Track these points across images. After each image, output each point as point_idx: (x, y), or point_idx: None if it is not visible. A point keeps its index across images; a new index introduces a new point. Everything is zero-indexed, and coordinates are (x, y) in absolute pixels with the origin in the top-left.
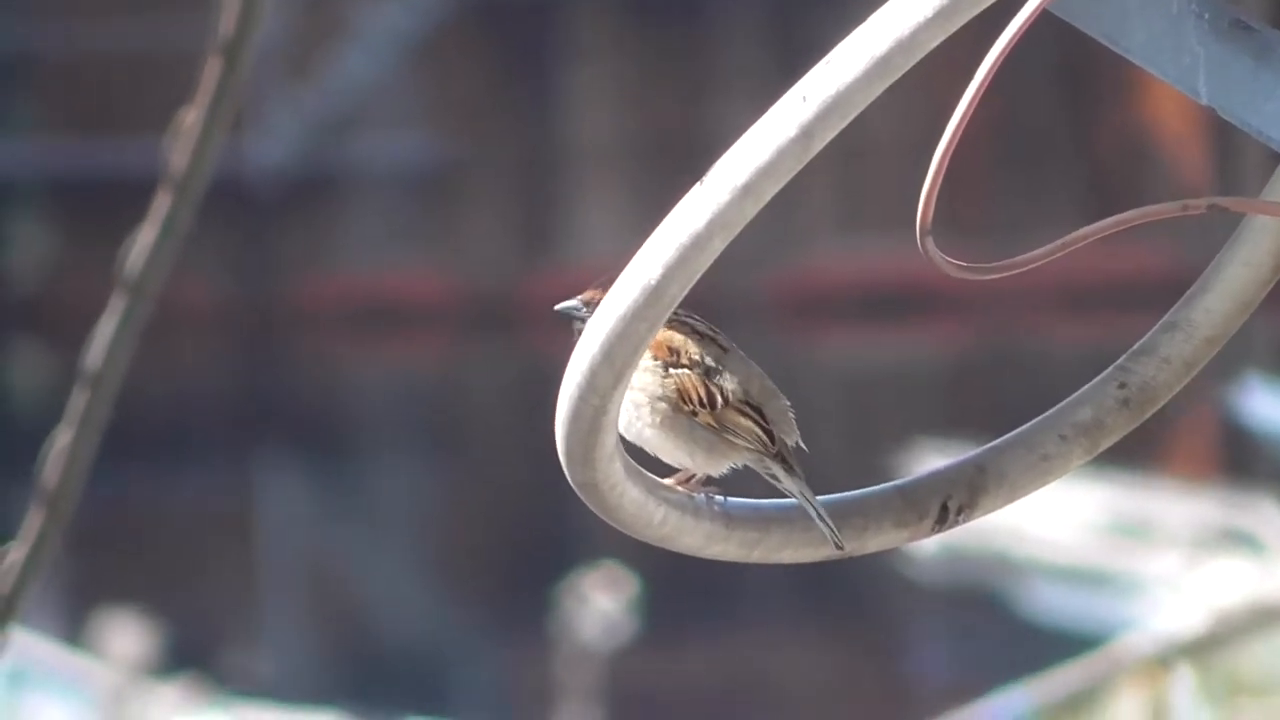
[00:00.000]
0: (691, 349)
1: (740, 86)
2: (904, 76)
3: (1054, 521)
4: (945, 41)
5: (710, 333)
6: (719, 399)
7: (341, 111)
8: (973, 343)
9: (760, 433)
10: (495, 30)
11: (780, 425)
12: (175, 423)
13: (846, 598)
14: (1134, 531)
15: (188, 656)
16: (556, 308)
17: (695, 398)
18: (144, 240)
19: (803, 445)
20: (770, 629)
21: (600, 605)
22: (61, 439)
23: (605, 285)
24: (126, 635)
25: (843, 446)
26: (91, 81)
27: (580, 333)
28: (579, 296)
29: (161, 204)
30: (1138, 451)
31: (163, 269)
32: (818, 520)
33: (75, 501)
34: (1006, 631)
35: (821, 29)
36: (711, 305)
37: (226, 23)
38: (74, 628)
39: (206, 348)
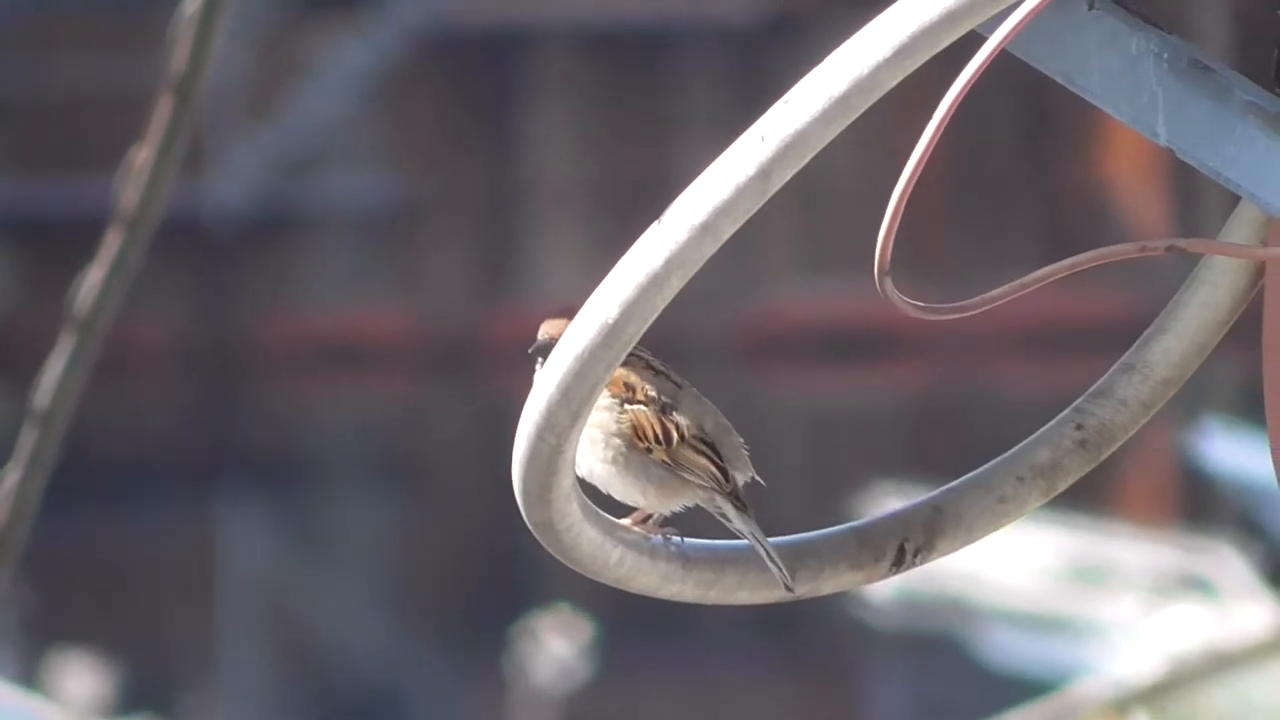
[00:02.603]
0: (648, 386)
1: (700, 128)
2: (863, 117)
3: (1010, 566)
4: (904, 81)
5: (664, 369)
6: (674, 435)
7: (301, 151)
8: (931, 385)
9: (714, 469)
10: (455, 69)
11: (734, 463)
12: (135, 462)
13: (803, 642)
14: (1091, 576)
15: (144, 698)
16: (530, 350)
17: (650, 434)
18: (93, 279)
19: (759, 479)
20: (726, 673)
21: (554, 648)
22: (10, 478)
23: (564, 313)
24: (83, 676)
25: (801, 488)
26: (45, 121)
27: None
28: (541, 332)
29: (112, 242)
30: (1095, 495)
31: (112, 307)
32: (767, 560)
33: (24, 540)
34: (963, 676)
35: (781, 72)
36: (671, 345)
37: (178, 61)
38: (29, 669)
39: (167, 387)
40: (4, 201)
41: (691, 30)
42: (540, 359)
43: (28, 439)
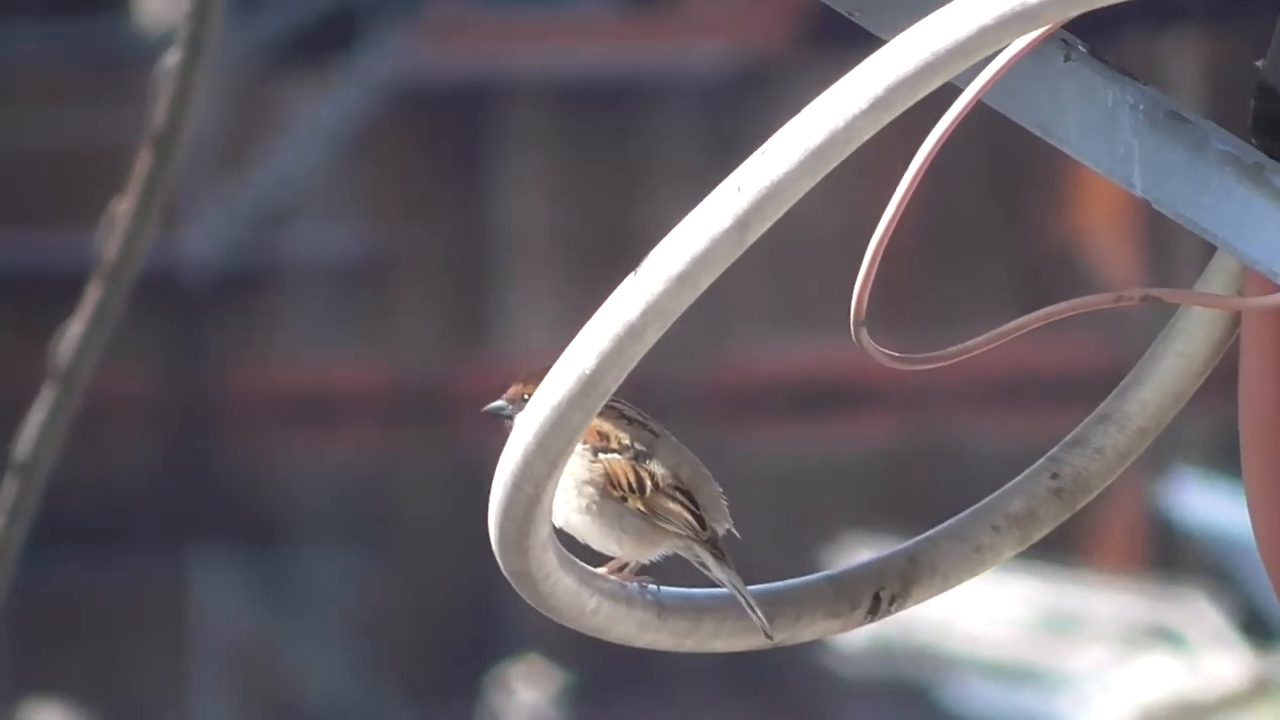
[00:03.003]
0: (621, 434)
1: (671, 180)
2: (840, 168)
3: (982, 616)
4: (881, 133)
5: (640, 418)
6: (649, 484)
7: (273, 204)
8: (905, 436)
9: (690, 518)
10: (428, 123)
11: (711, 512)
12: (108, 514)
13: (777, 691)
14: (1062, 626)
15: None
16: (484, 409)
17: (624, 483)
18: (74, 331)
19: (735, 532)
20: None
21: (526, 697)
22: None
23: (530, 379)
24: None
25: (775, 540)
26: (25, 173)
27: (511, 428)
28: (505, 394)
29: (93, 295)
30: (1067, 545)
31: (93, 359)
32: (747, 608)
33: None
34: None
35: (752, 124)
36: (645, 397)
37: (159, 114)
38: (5, 717)
39: (140, 440)
40: None
41: (663, 82)
42: (501, 418)
43: (9, 490)
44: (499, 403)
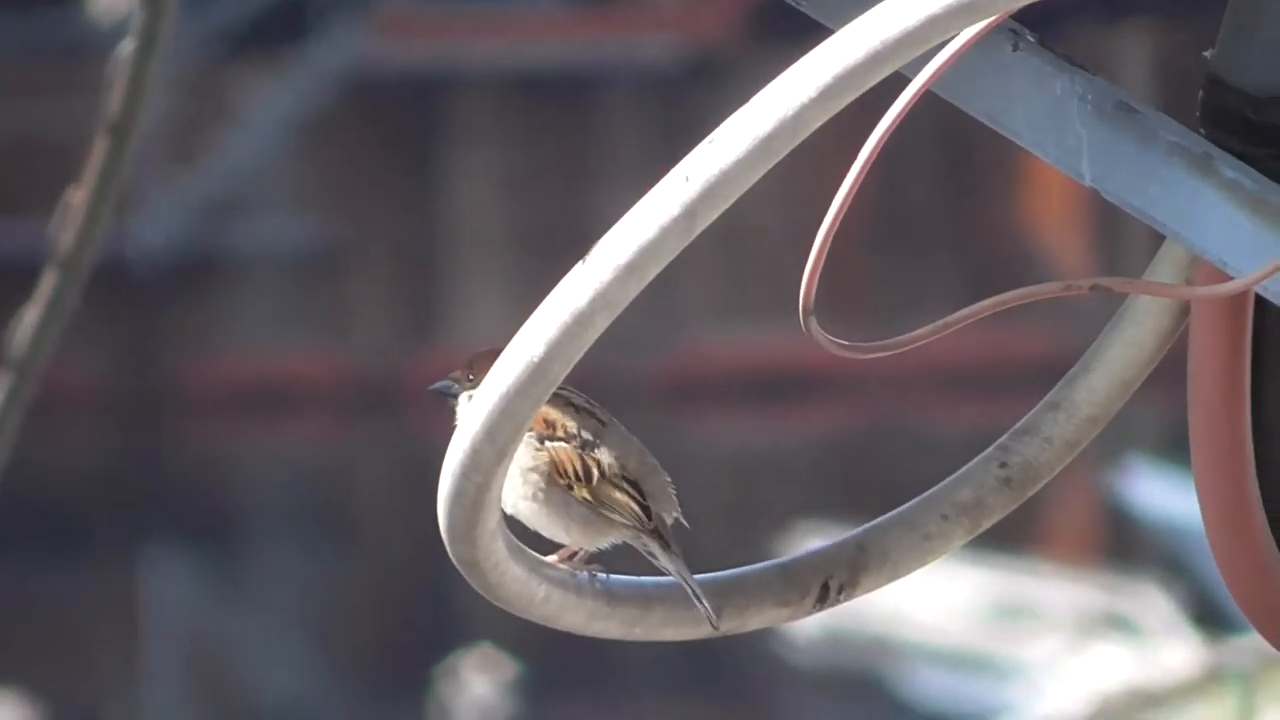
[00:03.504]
0: (568, 423)
1: (622, 171)
2: (789, 158)
3: (935, 605)
4: (829, 123)
5: (588, 406)
6: (595, 473)
7: (225, 194)
8: (855, 425)
9: (636, 508)
10: (378, 113)
11: (659, 501)
12: (59, 505)
13: (729, 680)
14: (1015, 616)
15: None
16: (430, 387)
17: (570, 471)
18: (29, 320)
19: (683, 521)
20: (651, 710)
21: (477, 687)
22: None
23: (476, 360)
24: (10, 717)
25: (725, 529)
26: None
27: (454, 410)
28: (450, 374)
29: (47, 284)
30: (1019, 535)
31: (48, 349)
32: (693, 598)
33: None
34: (888, 715)
35: (703, 115)
36: (595, 387)
37: (114, 103)
38: None
39: (90, 431)
40: None
41: (613, 74)
42: (446, 397)
43: None
44: (444, 381)
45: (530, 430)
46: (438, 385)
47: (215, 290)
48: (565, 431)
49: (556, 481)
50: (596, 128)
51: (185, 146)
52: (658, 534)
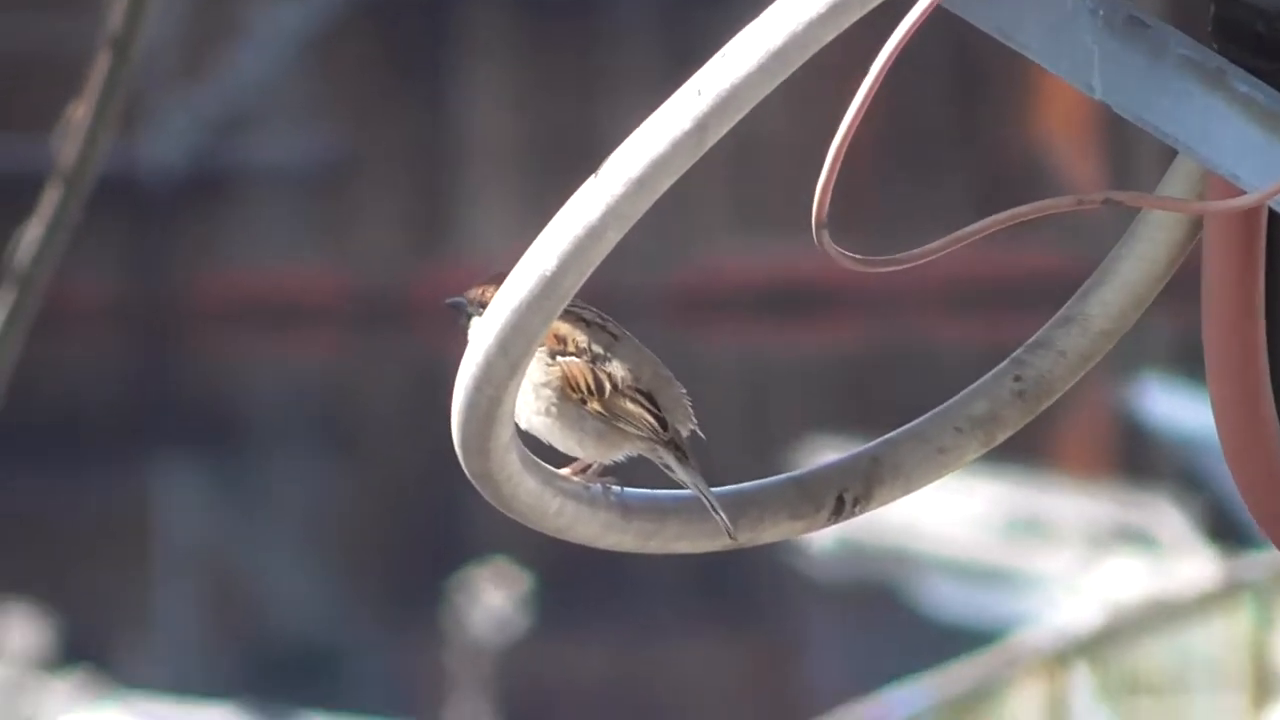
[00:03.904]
0: (579, 337)
1: (635, 83)
2: (801, 72)
3: (951, 518)
4: (841, 36)
5: (600, 320)
6: (607, 386)
7: (234, 109)
8: (868, 340)
9: (651, 419)
10: (388, 27)
11: (674, 413)
12: (68, 418)
13: (743, 593)
14: (1030, 528)
15: (82, 651)
16: (446, 301)
17: (583, 385)
18: (32, 234)
19: (699, 433)
20: (665, 625)
21: (491, 601)
22: None
23: (493, 281)
24: (21, 629)
25: (740, 443)
26: None
27: (466, 328)
28: (467, 292)
29: (50, 198)
30: (1035, 449)
31: (51, 263)
32: (710, 509)
33: None
34: (903, 627)
35: (718, 26)
36: (609, 302)
37: (115, 17)
38: None
39: (99, 345)
40: None
41: None
42: (460, 314)
43: None
44: (459, 299)
45: (541, 346)
46: (452, 300)
47: (225, 204)
48: (576, 346)
49: (569, 396)
50: (608, 41)
51: (195, 61)
52: (673, 445)
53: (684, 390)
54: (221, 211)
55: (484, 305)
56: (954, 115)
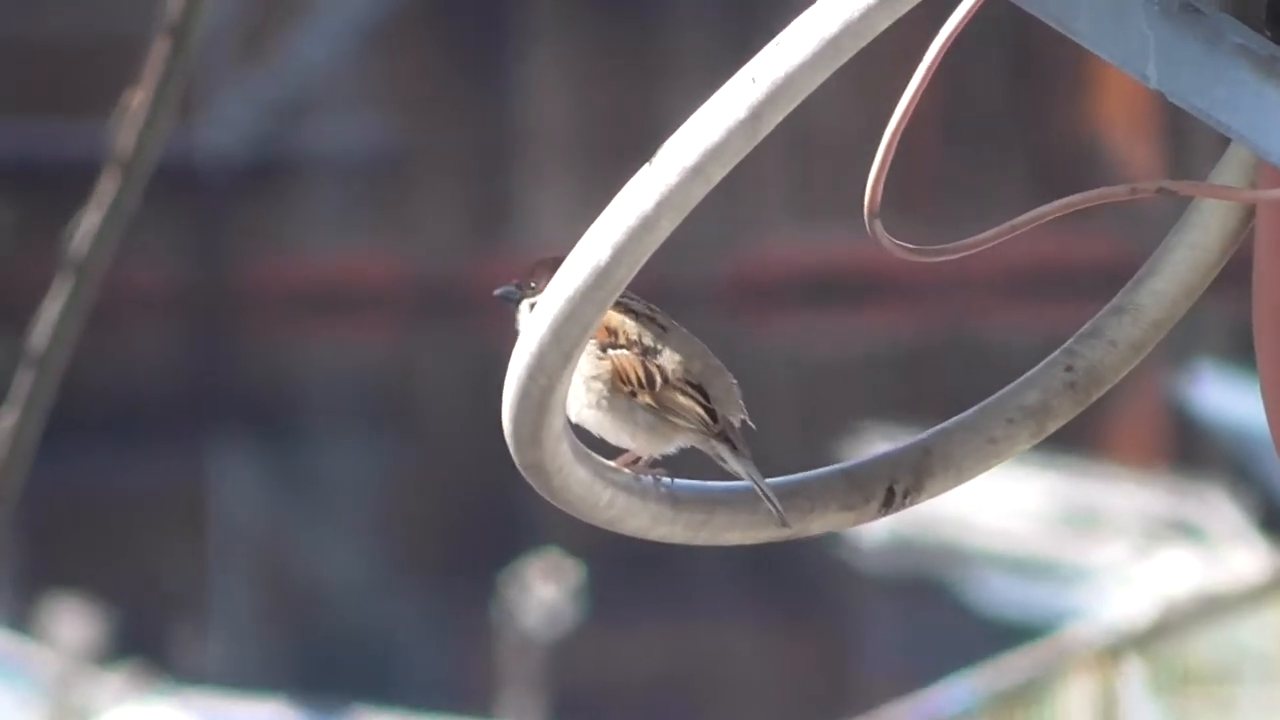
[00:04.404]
0: (629, 329)
1: (693, 72)
2: (855, 60)
3: (1002, 511)
4: (897, 24)
5: (649, 312)
6: (658, 378)
7: (294, 96)
8: (923, 329)
9: (701, 411)
10: (449, 15)
11: (724, 404)
12: (126, 406)
13: (794, 586)
14: (1082, 521)
15: (135, 643)
16: (495, 292)
17: (633, 378)
18: (89, 222)
19: (750, 423)
20: (716, 618)
21: (543, 593)
22: (6, 420)
23: (535, 269)
24: (73, 621)
25: (793, 433)
26: (39, 64)
27: (518, 316)
28: (513, 281)
29: (107, 186)
30: (1086, 440)
31: (108, 250)
32: (763, 497)
33: (21, 482)
34: (954, 621)
35: (775, 14)
36: (663, 292)
37: (174, 4)
38: (20, 613)
39: (158, 332)
40: None
41: None
42: (508, 302)
43: (24, 382)
44: (509, 286)
45: (592, 339)
46: (501, 290)
47: (284, 192)
48: (627, 338)
49: (620, 389)
50: (664, 31)
51: (255, 47)
52: (724, 436)
53: (734, 380)
54: (280, 198)
55: (535, 285)
56: (1010, 103)
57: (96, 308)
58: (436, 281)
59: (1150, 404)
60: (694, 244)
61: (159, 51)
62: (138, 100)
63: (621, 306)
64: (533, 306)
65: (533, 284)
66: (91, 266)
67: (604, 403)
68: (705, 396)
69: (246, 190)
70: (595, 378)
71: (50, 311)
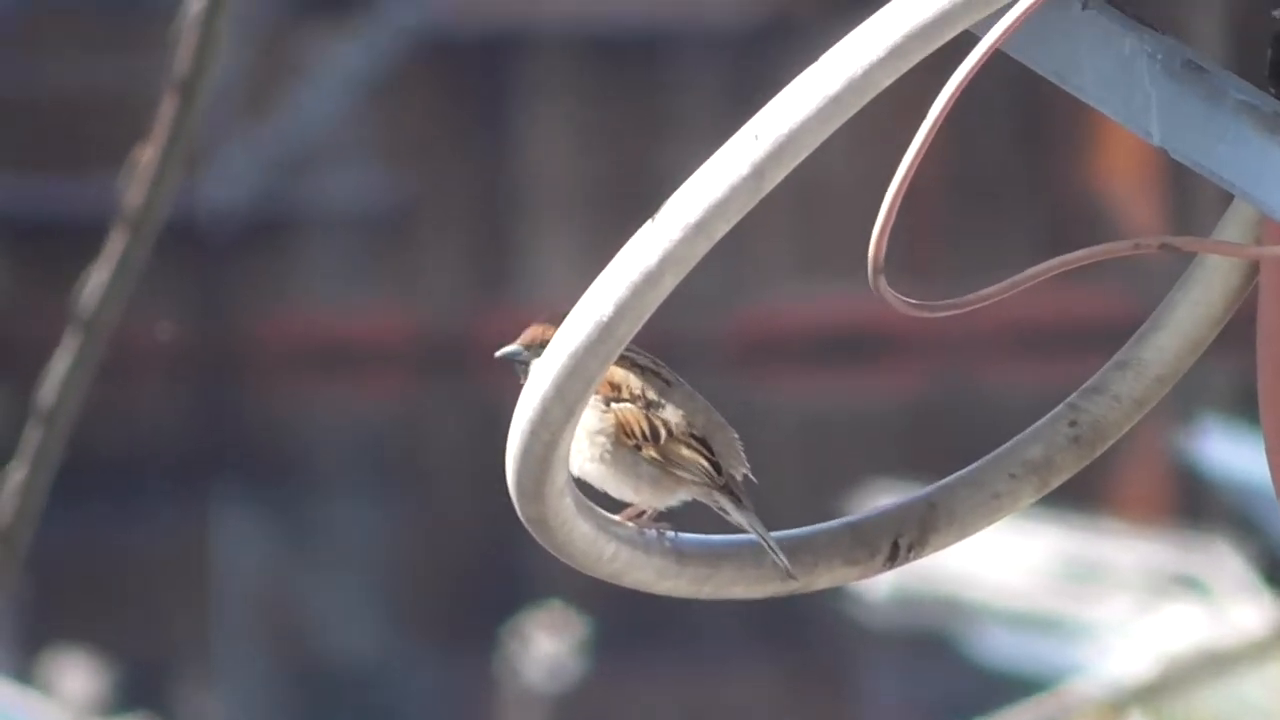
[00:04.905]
0: (633, 383)
1: (695, 131)
2: (859, 116)
3: (1005, 565)
4: (900, 80)
5: (653, 366)
6: (662, 432)
7: (297, 150)
8: (928, 386)
9: (706, 464)
10: (451, 70)
11: (727, 458)
12: (130, 462)
13: (798, 641)
14: (1085, 575)
15: (139, 696)
16: (498, 354)
17: (637, 431)
18: (98, 278)
19: (752, 477)
20: (720, 670)
21: (545, 646)
22: (15, 476)
23: (550, 322)
24: (79, 674)
25: (798, 489)
26: (47, 120)
27: (523, 375)
28: (519, 340)
29: (116, 241)
30: (1089, 494)
31: (117, 306)
32: (769, 550)
33: (29, 537)
34: (957, 675)
35: (776, 75)
36: (668, 347)
37: (182, 60)
38: (26, 665)
39: (162, 387)
40: (6, 200)
41: (686, 33)
42: (514, 363)
43: (32, 438)
44: (513, 347)
45: (596, 393)
46: (506, 351)
47: (287, 247)
48: (630, 393)
49: (624, 442)
50: (668, 86)
51: (258, 103)
52: (729, 490)
53: (736, 435)
54: (284, 253)
55: (543, 346)
56: (1014, 159)
57: (103, 364)
58: (441, 336)
59: (1154, 459)
60: (699, 299)
61: (167, 108)
62: (146, 157)
63: (625, 361)
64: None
65: (540, 342)
66: (100, 322)
67: (607, 456)
68: (709, 449)
69: (250, 245)
70: (599, 432)
71: (59, 367)
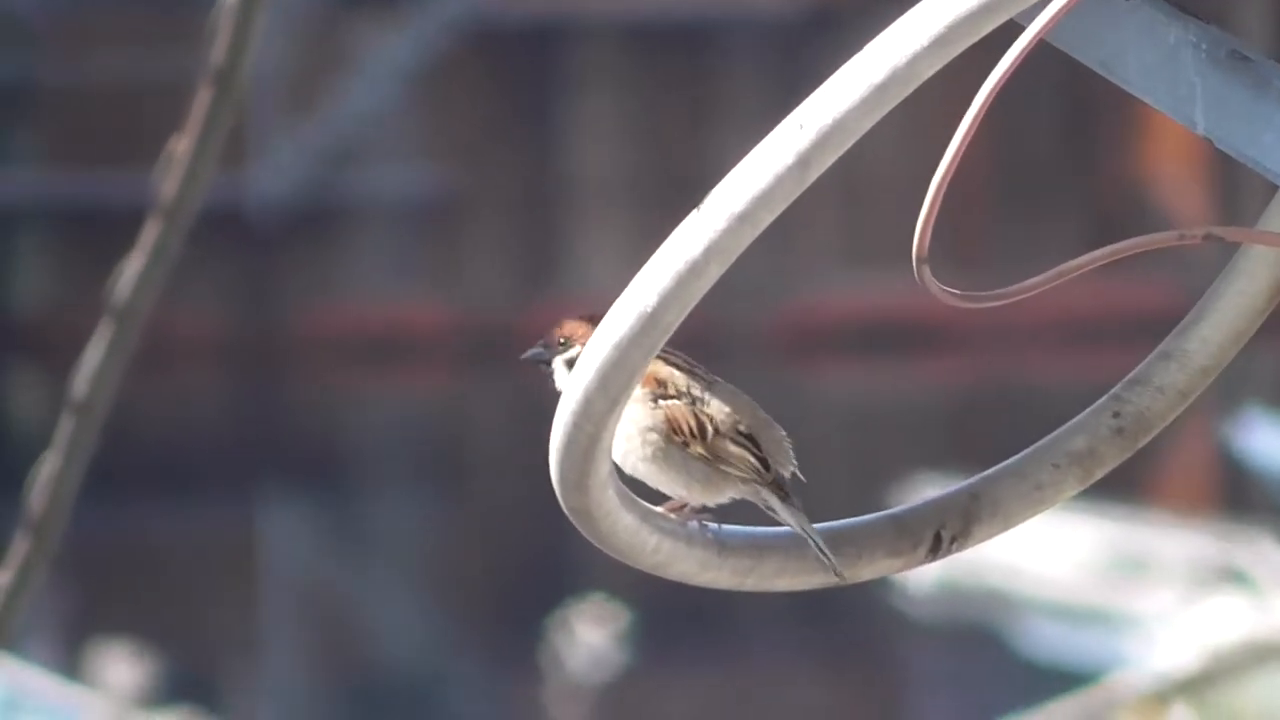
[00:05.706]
0: (678, 379)
1: (740, 120)
2: (904, 106)
3: (1050, 558)
4: (945, 70)
5: (692, 367)
6: (709, 429)
7: (343, 143)
8: (971, 376)
9: (754, 461)
10: (497, 62)
11: (775, 455)
12: (176, 453)
13: (841, 633)
14: (1130, 568)
15: (185, 689)
16: (522, 357)
17: (686, 428)
18: (133, 268)
19: (800, 475)
20: (762, 664)
21: (589, 639)
22: (49, 466)
23: (570, 325)
24: (123, 667)
25: (842, 480)
26: (89, 113)
27: (549, 376)
28: (543, 339)
29: (151, 232)
30: (1134, 487)
31: (151, 297)
32: (816, 550)
33: (62, 528)
34: (1002, 668)
35: (821, 64)
36: (713, 339)
37: (218, 51)
38: (71, 659)
39: (208, 379)
40: (44, 192)
41: (732, 23)
42: (538, 364)
43: (66, 428)
44: (536, 349)
45: (644, 389)
46: (530, 354)
47: (333, 238)
48: (676, 389)
49: (673, 439)
50: (713, 76)
51: (304, 95)
52: (776, 487)
53: (784, 432)
54: (329, 245)
55: (566, 344)
56: (1060, 149)
57: (149, 354)
58: (485, 327)
59: (1198, 450)
60: (743, 291)
61: (203, 99)
62: (181, 148)
63: (664, 359)
64: (570, 363)
65: (562, 340)
66: (133, 313)
67: (659, 454)
68: (756, 446)
69: (296, 238)
70: (650, 429)
71: (93, 357)
